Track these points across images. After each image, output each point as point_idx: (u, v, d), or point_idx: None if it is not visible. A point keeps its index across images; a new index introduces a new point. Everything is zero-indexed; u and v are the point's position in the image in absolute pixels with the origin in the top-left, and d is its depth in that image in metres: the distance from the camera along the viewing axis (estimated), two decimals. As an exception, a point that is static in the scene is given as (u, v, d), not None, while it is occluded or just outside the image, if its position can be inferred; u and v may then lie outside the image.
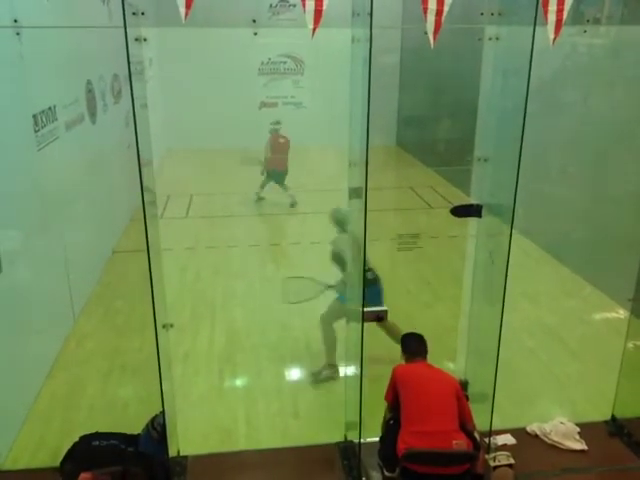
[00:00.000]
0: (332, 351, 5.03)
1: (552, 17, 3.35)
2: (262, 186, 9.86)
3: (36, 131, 5.08)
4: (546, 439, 4.27)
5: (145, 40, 3.12)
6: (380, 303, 4.62)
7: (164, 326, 3.56)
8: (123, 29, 2.86)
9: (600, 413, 4.56)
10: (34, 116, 5.04)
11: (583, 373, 5.20)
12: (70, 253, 5.80)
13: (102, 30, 6.70)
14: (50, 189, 5.38)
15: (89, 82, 6.85)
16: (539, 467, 4.03)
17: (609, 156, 6.62)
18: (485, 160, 3.99)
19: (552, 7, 3.32)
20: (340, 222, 4.92)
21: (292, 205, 9.67)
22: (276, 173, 9.67)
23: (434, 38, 3.17)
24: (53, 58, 5.51)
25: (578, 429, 4.31)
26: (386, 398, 3.78)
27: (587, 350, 5.53)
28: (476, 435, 3.62)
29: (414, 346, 3.84)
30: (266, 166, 9.66)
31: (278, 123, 9.74)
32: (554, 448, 4.21)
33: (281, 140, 9.66)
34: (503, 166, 3.70)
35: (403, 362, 3.87)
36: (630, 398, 4.40)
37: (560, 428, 4.29)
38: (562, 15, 3.34)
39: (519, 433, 4.30)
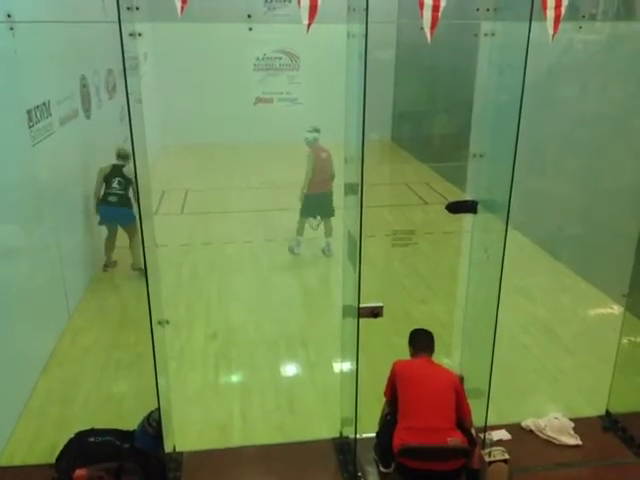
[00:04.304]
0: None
1: (551, 13, 3.35)
2: (299, 232, 7.61)
3: (30, 127, 5.05)
4: (541, 434, 4.29)
5: (140, 35, 3.10)
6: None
7: (160, 322, 3.56)
8: (118, 24, 2.84)
9: (594, 408, 4.58)
10: (28, 112, 5.02)
11: (577, 368, 5.22)
12: (65, 248, 5.78)
13: (96, 25, 6.66)
14: (45, 184, 5.36)
15: (83, 77, 6.81)
16: (534, 462, 4.05)
17: (604, 151, 6.63)
18: (480, 156, 3.99)
19: (551, 3, 3.32)
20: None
21: (325, 252, 7.65)
22: (318, 198, 7.40)
23: (431, 33, 3.16)
24: (47, 53, 5.47)
25: (572, 424, 4.34)
26: (385, 394, 3.78)
27: (581, 346, 5.55)
28: (472, 432, 3.63)
29: (419, 341, 3.83)
30: (307, 190, 7.36)
31: (317, 131, 7.37)
32: (549, 443, 4.23)
33: (323, 155, 7.35)
34: (498, 162, 3.70)
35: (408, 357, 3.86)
36: (624, 393, 4.43)
37: (555, 423, 4.31)
38: (560, 11, 3.34)
39: (514, 428, 4.32)
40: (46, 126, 5.43)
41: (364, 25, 3.08)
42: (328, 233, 7.57)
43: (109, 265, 7.04)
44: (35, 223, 5.21)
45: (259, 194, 10.06)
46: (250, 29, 3.43)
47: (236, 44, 11.03)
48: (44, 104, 5.40)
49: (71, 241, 6.04)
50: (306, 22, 3.06)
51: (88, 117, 6.92)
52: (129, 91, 3.02)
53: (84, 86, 6.83)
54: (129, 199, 6.64)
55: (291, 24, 3.29)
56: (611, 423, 4.43)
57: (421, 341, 3.83)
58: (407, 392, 3.56)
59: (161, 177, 10.09)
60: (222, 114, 11.93)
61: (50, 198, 5.49)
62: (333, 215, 7.46)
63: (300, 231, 7.63)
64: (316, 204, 7.45)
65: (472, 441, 3.54)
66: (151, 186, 3.55)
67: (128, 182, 6.60)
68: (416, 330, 3.93)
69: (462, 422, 3.53)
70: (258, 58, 12.94)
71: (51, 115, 5.57)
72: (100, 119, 7.39)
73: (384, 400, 3.84)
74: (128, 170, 6.60)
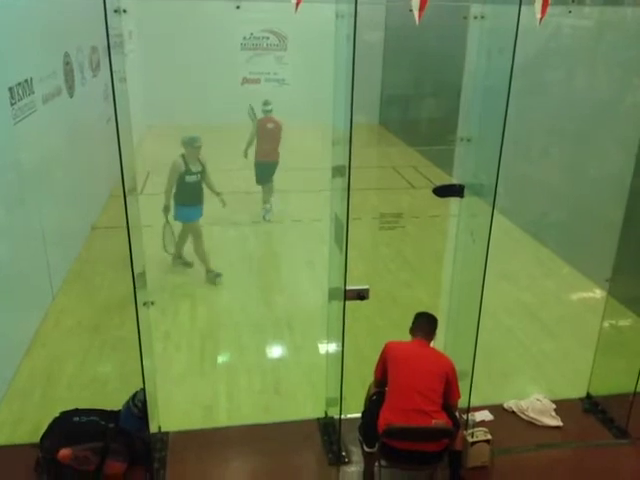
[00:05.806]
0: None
1: (539, -4, 3.34)
2: (265, 200, 8.22)
3: (12, 104, 4.96)
4: (523, 415, 4.35)
5: (125, 12, 3.04)
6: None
7: (145, 303, 3.54)
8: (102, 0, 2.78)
9: (576, 390, 4.65)
10: (10, 89, 4.92)
11: (560, 351, 5.29)
12: (48, 228, 5.71)
13: (80, 0, 6.53)
14: (27, 163, 5.28)
15: (67, 54, 6.69)
16: (515, 443, 4.11)
17: (591, 138, 6.66)
18: (468, 140, 3.98)
19: (539, -14, 3.31)
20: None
21: (264, 218, 8.10)
22: (263, 166, 8.05)
23: (419, 15, 3.14)
24: (29, 29, 5.36)
25: (554, 406, 4.40)
26: (375, 373, 3.79)
27: (564, 329, 5.62)
28: (457, 414, 3.67)
29: (418, 324, 3.79)
30: (257, 158, 8.06)
31: (267, 104, 7.96)
32: (530, 424, 4.29)
33: (269, 125, 7.93)
34: (486, 146, 3.71)
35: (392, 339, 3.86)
36: (605, 376, 4.49)
37: (536, 405, 4.38)
38: (549, -6, 3.33)
39: (496, 410, 4.37)
40: (28, 104, 5.33)
41: (353, 5, 3.04)
42: (266, 199, 8.08)
43: (179, 258, 6.79)
44: (17, 203, 5.13)
45: (245, 175, 9.97)
46: (238, 7, 3.38)
47: (223, 22, 10.88)
48: (26, 81, 5.29)
49: (55, 222, 5.97)
50: (294, 1, 3.02)
51: (71, 95, 6.81)
52: (113, 69, 2.96)
53: (67, 63, 6.70)
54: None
55: (279, 3, 3.25)
56: (592, 405, 4.50)
57: (420, 324, 3.80)
58: (396, 373, 3.57)
59: (146, 157, 9.94)
60: (208, 94, 11.79)
61: (33, 177, 5.41)
62: (271, 182, 8.07)
63: (266, 199, 8.16)
64: (266, 171, 8.02)
65: (456, 423, 3.58)
66: (136, 166, 3.51)
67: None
68: (419, 313, 3.89)
69: (448, 408, 3.56)
70: (245, 37, 12.76)
71: (33, 93, 5.47)
72: (84, 97, 7.28)
73: (371, 380, 3.86)
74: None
